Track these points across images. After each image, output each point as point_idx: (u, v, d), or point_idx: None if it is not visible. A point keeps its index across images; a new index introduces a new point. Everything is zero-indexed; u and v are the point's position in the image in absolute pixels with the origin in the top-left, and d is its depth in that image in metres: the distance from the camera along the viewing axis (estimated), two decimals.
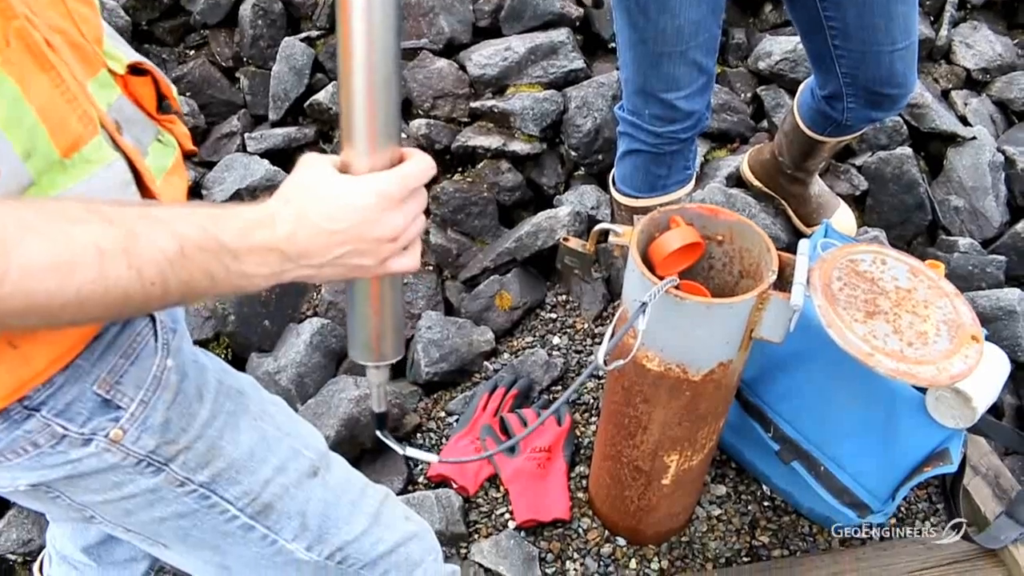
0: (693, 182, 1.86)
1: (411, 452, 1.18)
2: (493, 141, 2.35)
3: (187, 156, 1.02)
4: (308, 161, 0.80)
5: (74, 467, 0.86)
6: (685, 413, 1.41)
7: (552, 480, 1.79)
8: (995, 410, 2.11)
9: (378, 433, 1.13)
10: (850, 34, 1.65)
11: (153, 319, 0.92)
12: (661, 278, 1.36)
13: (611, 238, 1.32)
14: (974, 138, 2.55)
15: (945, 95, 2.79)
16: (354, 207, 0.77)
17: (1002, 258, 2.31)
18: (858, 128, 1.94)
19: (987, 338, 2.16)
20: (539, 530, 1.76)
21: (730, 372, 1.36)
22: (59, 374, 0.81)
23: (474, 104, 2.45)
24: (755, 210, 2.23)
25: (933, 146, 2.61)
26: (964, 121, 2.69)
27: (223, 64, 2.75)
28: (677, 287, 1.23)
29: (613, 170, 1.89)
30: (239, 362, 2.20)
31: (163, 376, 0.90)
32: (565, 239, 1.38)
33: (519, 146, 2.35)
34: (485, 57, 2.51)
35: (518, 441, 1.20)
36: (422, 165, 0.82)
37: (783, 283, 1.29)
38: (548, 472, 1.81)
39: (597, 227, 1.34)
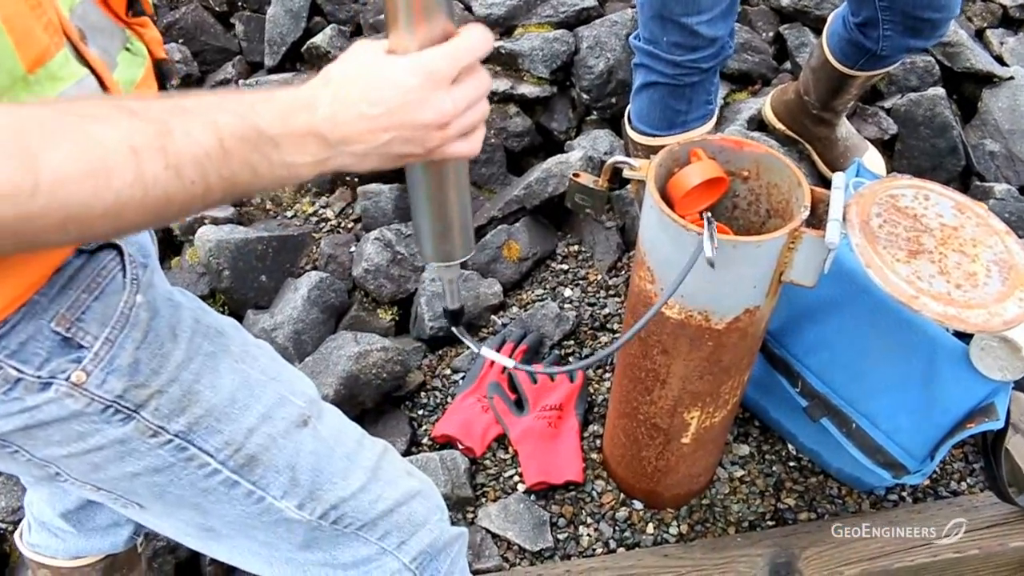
0: (715, 119, 1.73)
1: (486, 352, 1.13)
2: (500, 84, 2.22)
3: (158, 65, 0.91)
4: (356, 45, 0.73)
5: (32, 416, 0.77)
6: (707, 365, 1.30)
7: (564, 440, 1.69)
8: None
9: (454, 330, 1.10)
10: None
11: (120, 252, 0.82)
12: (681, 216, 1.24)
13: (626, 172, 1.21)
14: (1011, 78, 2.40)
15: (980, 34, 2.64)
16: (395, 87, 0.69)
17: None
18: (893, 59, 1.80)
19: None
20: (550, 493, 1.65)
21: (757, 320, 1.24)
22: (14, 313, 0.73)
23: None
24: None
25: (967, 87, 2.46)
26: (1000, 61, 2.53)
27: (216, 8, 2.63)
28: (710, 221, 1.10)
29: (628, 107, 1.76)
30: (236, 319, 2.09)
31: (131, 313, 0.81)
32: (576, 175, 1.27)
33: (528, 89, 2.22)
34: None
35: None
36: (475, 38, 0.72)
37: (816, 221, 1.17)
38: (559, 432, 1.70)
39: (610, 161, 1.22)
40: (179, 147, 0.62)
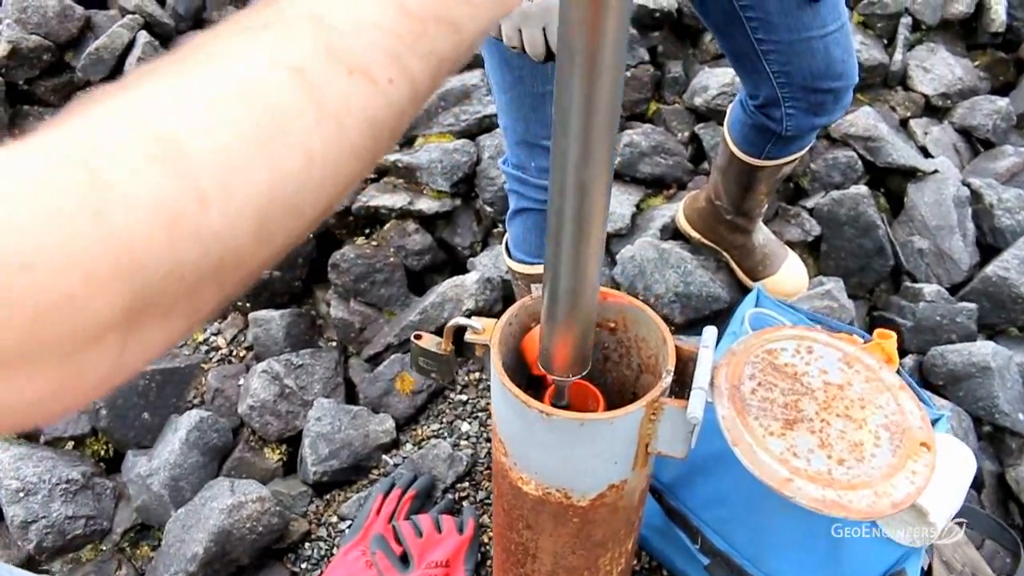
0: None
1: None
2: (398, 200, 2.10)
3: None
4: None
5: None
6: (578, 541, 1.14)
7: None
8: (973, 480, 1.85)
9: None
10: (773, 22, 1.40)
11: None
12: (537, 380, 1.11)
13: (468, 336, 1.07)
14: (935, 171, 2.31)
15: (904, 124, 2.56)
16: None
17: (972, 306, 2.06)
18: (801, 142, 1.67)
19: (960, 398, 1.92)
20: None
21: (627, 493, 1.10)
22: None
23: None
24: (691, 265, 1.98)
25: (893, 181, 2.37)
26: (925, 152, 2.45)
27: None
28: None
29: (506, 234, 1.63)
30: (120, 459, 1.94)
31: None
32: (417, 335, 1.13)
33: (427, 204, 2.10)
34: None
35: None
36: None
37: (686, 382, 1.04)
38: None
39: (452, 322, 1.09)
40: (350, 42, 0.42)
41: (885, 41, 2.65)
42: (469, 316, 1.13)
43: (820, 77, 1.47)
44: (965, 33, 2.76)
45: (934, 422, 1.36)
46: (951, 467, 1.20)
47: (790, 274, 2.04)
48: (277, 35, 0.41)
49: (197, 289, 0.39)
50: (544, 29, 1.11)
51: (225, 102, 0.38)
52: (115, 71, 2.45)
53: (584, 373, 0.99)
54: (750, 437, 0.96)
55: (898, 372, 1.42)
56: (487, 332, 1.06)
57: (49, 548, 1.70)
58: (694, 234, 2.08)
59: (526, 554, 1.20)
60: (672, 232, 2.14)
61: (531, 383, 1.15)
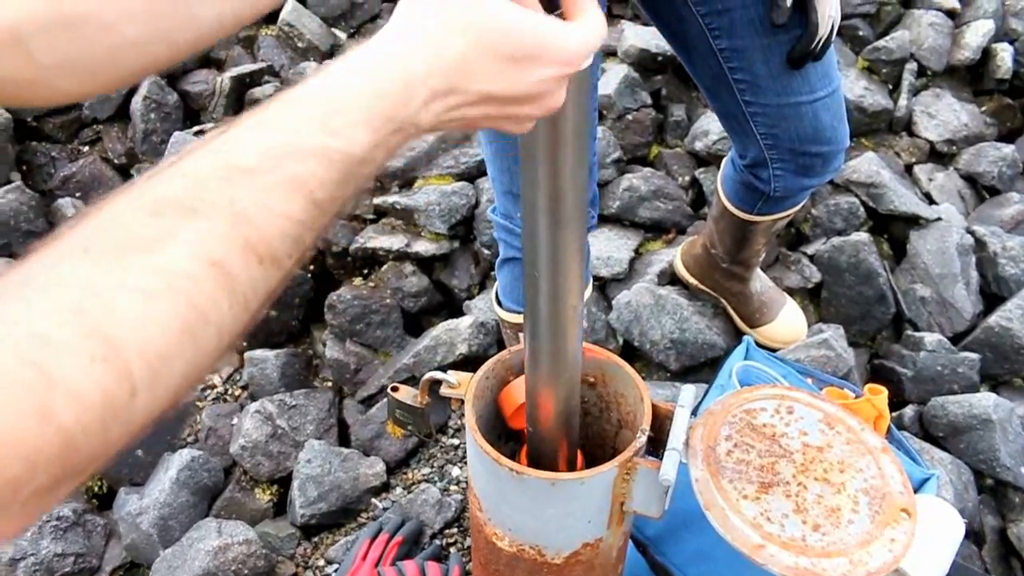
0: (589, 289, 1.60)
1: None
2: (395, 241, 2.10)
3: None
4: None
5: None
6: None
7: None
8: (975, 534, 1.82)
9: None
10: (761, 85, 1.39)
11: None
12: (513, 433, 1.10)
13: (443, 390, 1.06)
14: (939, 219, 2.30)
15: (908, 170, 2.55)
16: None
17: (975, 356, 2.03)
18: (792, 200, 1.67)
19: (961, 450, 1.89)
20: None
21: (602, 551, 1.08)
22: None
23: (377, 200, 2.21)
24: (687, 312, 1.96)
25: (896, 228, 2.36)
26: (930, 198, 2.44)
27: (116, 161, 2.52)
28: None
29: (496, 282, 1.63)
30: (113, 495, 1.93)
31: None
32: (394, 388, 1.12)
33: (424, 246, 2.10)
34: None
35: None
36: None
37: (664, 440, 1.03)
38: None
39: (427, 376, 1.08)
40: (264, 232, 0.47)
41: (890, 86, 2.64)
42: (446, 369, 1.12)
43: (808, 141, 1.46)
44: (971, 79, 2.75)
45: (924, 482, 1.34)
46: (937, 530, 1.17)
47: (788, 322, 2.02)
48: (200, 225, 0.45)
49: (111, 453, 0.44)
50: None
51: (155, 298, 0.43)
52: (121, 109, 2.49)
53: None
54: (723, 500, 0.95)
55: (889, 430, 1.42)
56: (462, 387, 1.06)
57: None
58: (691, 280, 2.07)
59: None
60: (670, 277, 2.13)
61: (510, 437, 1.15)
